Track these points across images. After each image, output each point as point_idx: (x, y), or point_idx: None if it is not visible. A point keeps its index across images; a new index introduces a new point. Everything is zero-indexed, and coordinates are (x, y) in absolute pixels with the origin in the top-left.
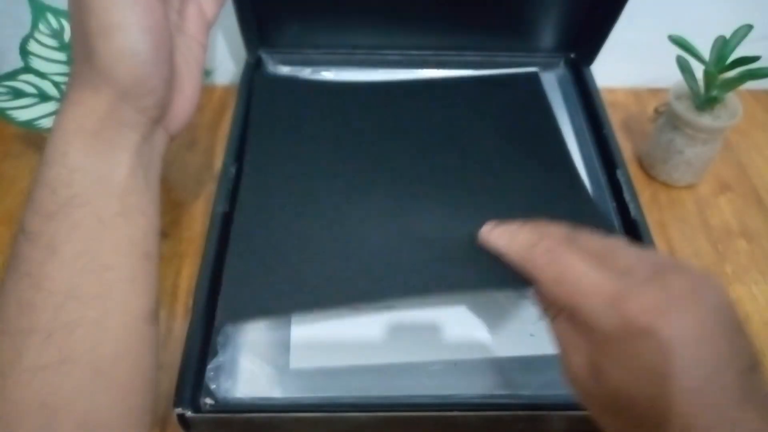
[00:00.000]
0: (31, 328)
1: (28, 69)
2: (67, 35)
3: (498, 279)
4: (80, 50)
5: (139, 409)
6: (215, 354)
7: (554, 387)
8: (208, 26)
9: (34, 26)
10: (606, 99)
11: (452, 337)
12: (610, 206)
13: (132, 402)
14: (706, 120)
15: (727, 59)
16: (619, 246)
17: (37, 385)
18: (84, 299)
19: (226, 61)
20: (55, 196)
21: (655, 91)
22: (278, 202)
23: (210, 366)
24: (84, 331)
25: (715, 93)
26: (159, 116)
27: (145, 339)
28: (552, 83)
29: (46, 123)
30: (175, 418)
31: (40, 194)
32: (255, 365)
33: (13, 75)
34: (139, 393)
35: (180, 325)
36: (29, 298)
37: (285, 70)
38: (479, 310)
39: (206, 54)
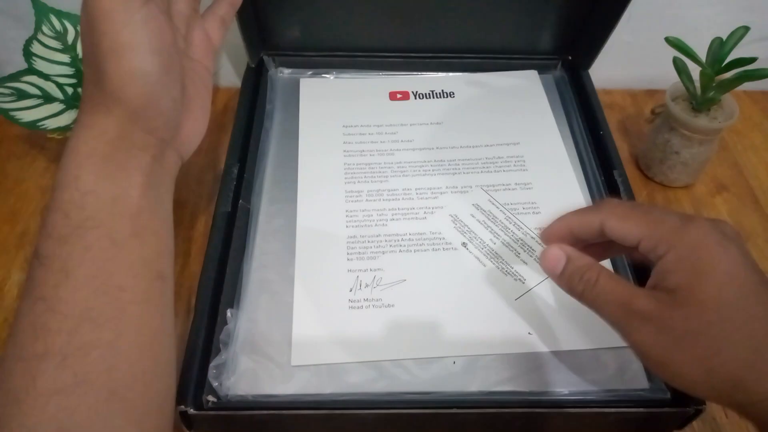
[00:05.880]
0: (45, 352)
1: (31, 70)
2: (70, 37)
3: None
4: (91, 73)
5: (155, 431)
6: (217, 352)
7: (552, 385)
8: (214, 51)
9: (38, 28)
10: (603, 100)
11: (451, 334)
12: None
13: (148, 424)
14: (702, 121)
15: (723, 61)
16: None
17: (52, 410)
18: (98, 321)
19: (229, 63)
20: (68, 220)
21: (651, 93)
22: None
23: (212, 364)
24: (99, 354)
25: (711, 94)
26: (169, 137)
27: (161, 360)
28: (550, 85)
29: (50, 124)
30: (177, 416)
31: (53, 218)
32: (257, 363)
33: (16, 76)
34: (154, 414)
35: (183, 324)
36: (43, 322)
37: (287, 72)
38: (478, 308)
39: (213, 78)
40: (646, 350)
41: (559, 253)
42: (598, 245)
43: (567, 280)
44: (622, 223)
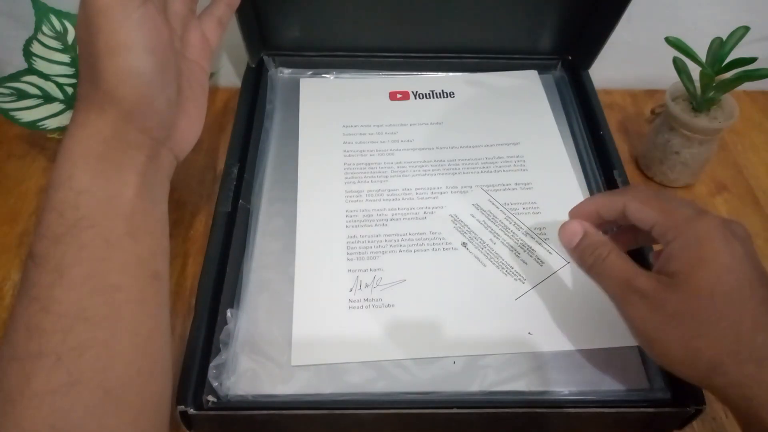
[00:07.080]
0: (40, 352)
1: (31, 71)
2: (70, 37)
3: None
4: (86, 71)
5: (151, 431)
6: (217, 352)
7: (552, 385)
8: (211, 51)
9: (37, 28)
10: (603, 100)
11: (451, 334)
12: None
13: (144, 424)
14: (702, 121)
15: (723, 61)
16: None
17: (46, 410)
18: (93, 321)
19: (229, 63)
20: (62, 219)
21: (651, 93)
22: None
23: (212, 364)
24: (94, 353)
25: (711, 94)
26: (164, 137)
27: (156, 360)
28: (550, 85)
29: (50, 124)
30: (177, 416)
31: (48, 218)
32: (257, 363)
33: (16, 76)
34: (150, 414)
35: (183, 324)
36: (38, 322)
37: (287, 72)
38: (478, 308)
39: (210, 78)
40: (638, 325)
41: (578, 228)
42: (627, 233)
43: (580, 253)
44: (642, 206)
